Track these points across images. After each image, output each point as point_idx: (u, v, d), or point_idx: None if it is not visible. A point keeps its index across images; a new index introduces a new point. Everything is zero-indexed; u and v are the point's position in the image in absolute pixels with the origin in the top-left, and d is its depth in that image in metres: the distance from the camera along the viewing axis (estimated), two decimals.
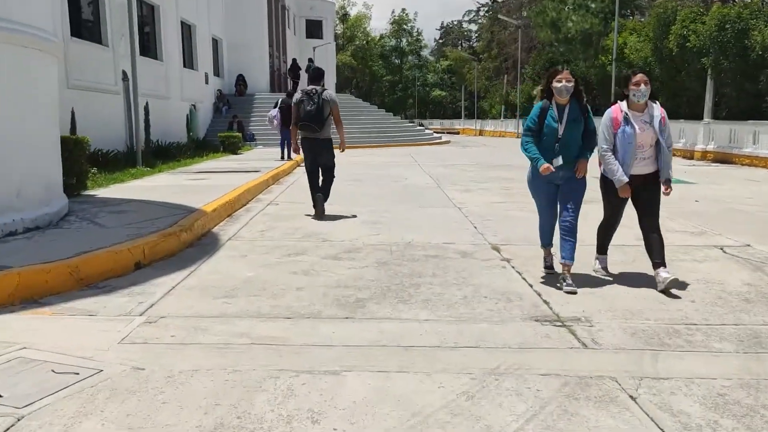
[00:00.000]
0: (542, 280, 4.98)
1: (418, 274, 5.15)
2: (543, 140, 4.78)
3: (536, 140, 4.80)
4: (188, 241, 6.17)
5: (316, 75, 7.98)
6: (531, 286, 4.82)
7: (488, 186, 11.76)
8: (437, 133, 42.52)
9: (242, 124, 23.64)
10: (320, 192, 7.91)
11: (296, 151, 8.20)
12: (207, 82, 24.42)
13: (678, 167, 17.14)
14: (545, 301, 4.42)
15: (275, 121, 17.63)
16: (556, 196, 4.92)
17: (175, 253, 5.77)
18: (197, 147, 19.65)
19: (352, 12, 75.09)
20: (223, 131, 22.11)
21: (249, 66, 28.15)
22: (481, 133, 50.67)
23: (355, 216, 8.13)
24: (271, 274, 5.16)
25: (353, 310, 4.19)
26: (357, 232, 7.02)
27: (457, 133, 55.07)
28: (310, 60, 33.18)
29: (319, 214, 7.83)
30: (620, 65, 23.40)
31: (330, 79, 42.81)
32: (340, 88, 62.99)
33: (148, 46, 18.40)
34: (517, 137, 39.87)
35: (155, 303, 4.32)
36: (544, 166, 4.69)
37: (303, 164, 8.29)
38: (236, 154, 19.52)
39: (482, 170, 15.39)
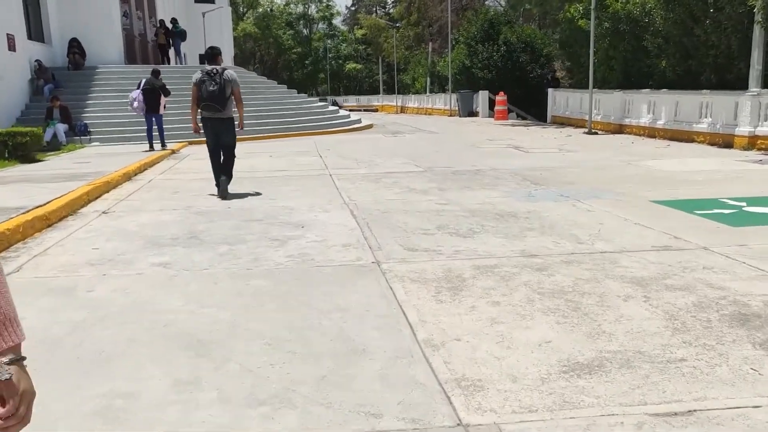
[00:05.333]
0: None
1: None
2: None
3: None
4: None
5: (213, 54, 7.96)
6: None
7: (491, 254, 5.05)
8: (354, 111, 35.77)
9: (67, 110, 15.91)
10: (223, 174, 8.06)
11: (196, 131, 8.34)
12: (13, 49, 16.41)
13: (735, 167, 9.46)
14: None
15: (136, 104, 13.98)
16: None
17: None
18: None
19: None
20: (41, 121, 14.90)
21: (89, 27, 19.93)
22: (402, 110, 44.15)
23: None
24: None
25: None
26: None
27: (376, 110, 48.46)
28: (174, 20, 25.36)
29: (223, 195, 7.89)
30: (602, 17, 17.28)
31: (227, 52, 34.78)
32: (242, 62, 54.85)
33: None
34: (450, 115, 33.57)
35: None
36: None
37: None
38: (32, 162, 12.00)
39: (445, 188, 8.69)
